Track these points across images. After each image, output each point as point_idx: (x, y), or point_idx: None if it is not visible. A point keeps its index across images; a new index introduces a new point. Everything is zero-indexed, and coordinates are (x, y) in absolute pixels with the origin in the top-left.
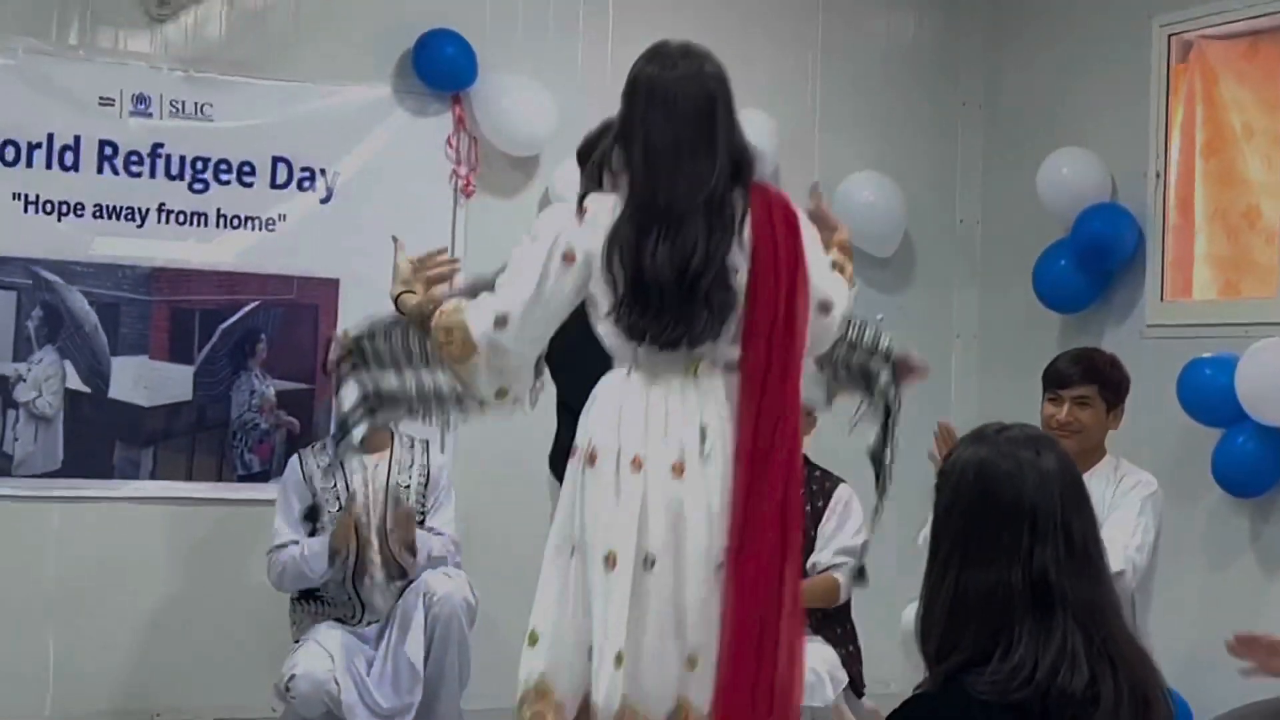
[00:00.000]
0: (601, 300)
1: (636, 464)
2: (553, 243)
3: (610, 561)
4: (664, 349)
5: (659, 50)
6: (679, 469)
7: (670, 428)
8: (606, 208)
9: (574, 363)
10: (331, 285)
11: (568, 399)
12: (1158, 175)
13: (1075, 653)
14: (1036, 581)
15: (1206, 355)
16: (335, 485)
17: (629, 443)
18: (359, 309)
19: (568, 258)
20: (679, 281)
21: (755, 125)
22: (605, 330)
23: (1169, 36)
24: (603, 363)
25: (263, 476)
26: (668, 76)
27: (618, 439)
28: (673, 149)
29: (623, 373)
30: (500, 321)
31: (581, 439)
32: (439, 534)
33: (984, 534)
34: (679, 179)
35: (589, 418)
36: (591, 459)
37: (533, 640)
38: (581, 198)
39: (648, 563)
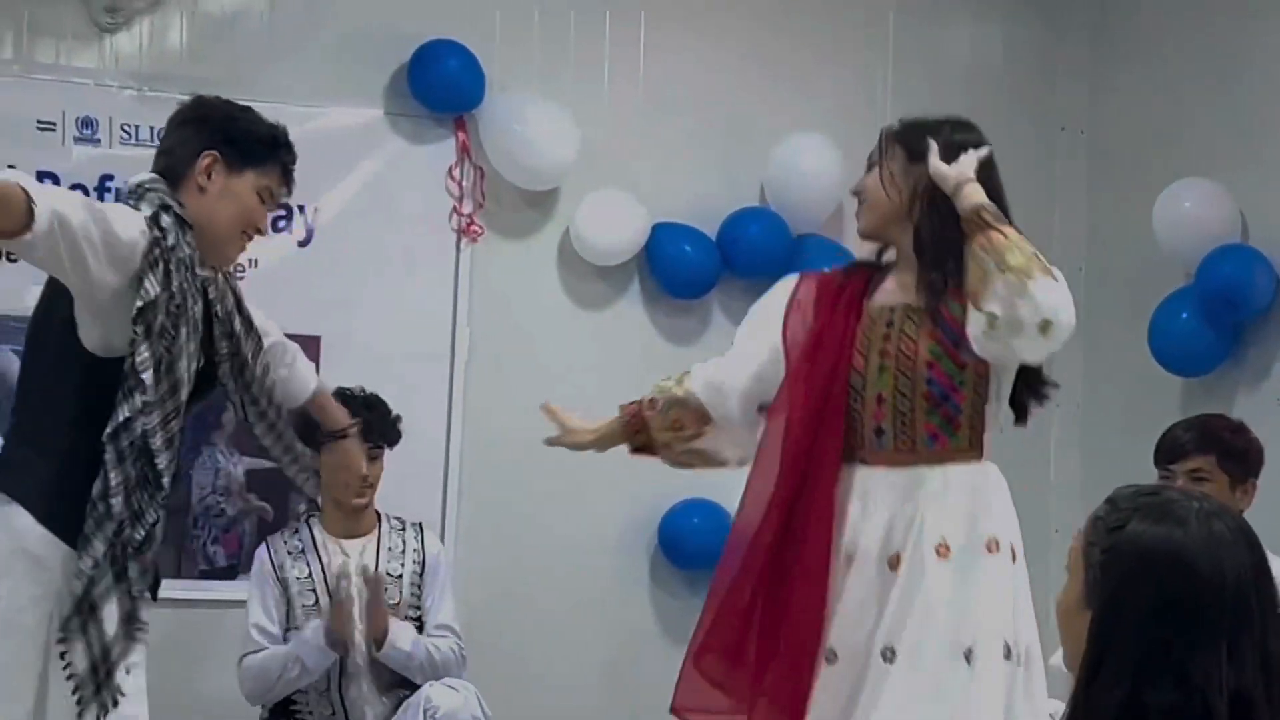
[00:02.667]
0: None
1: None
2: None
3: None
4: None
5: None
6: None
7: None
8: None
9: None
10: (311, 344)
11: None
12: None
13: None
14: (1234, 708)
15: None
16: (310, 575)
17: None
18: (344, 371)
19: None
20: None
21: (816, 153)
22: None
23: None
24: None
25: (229, 572)
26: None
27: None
28: None
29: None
30: None
31: (1000, 533)
32: (442, 634)
33: (1174, 643)
34: None
35: (995, 510)
36: (1014, 556)
37: None
38: None
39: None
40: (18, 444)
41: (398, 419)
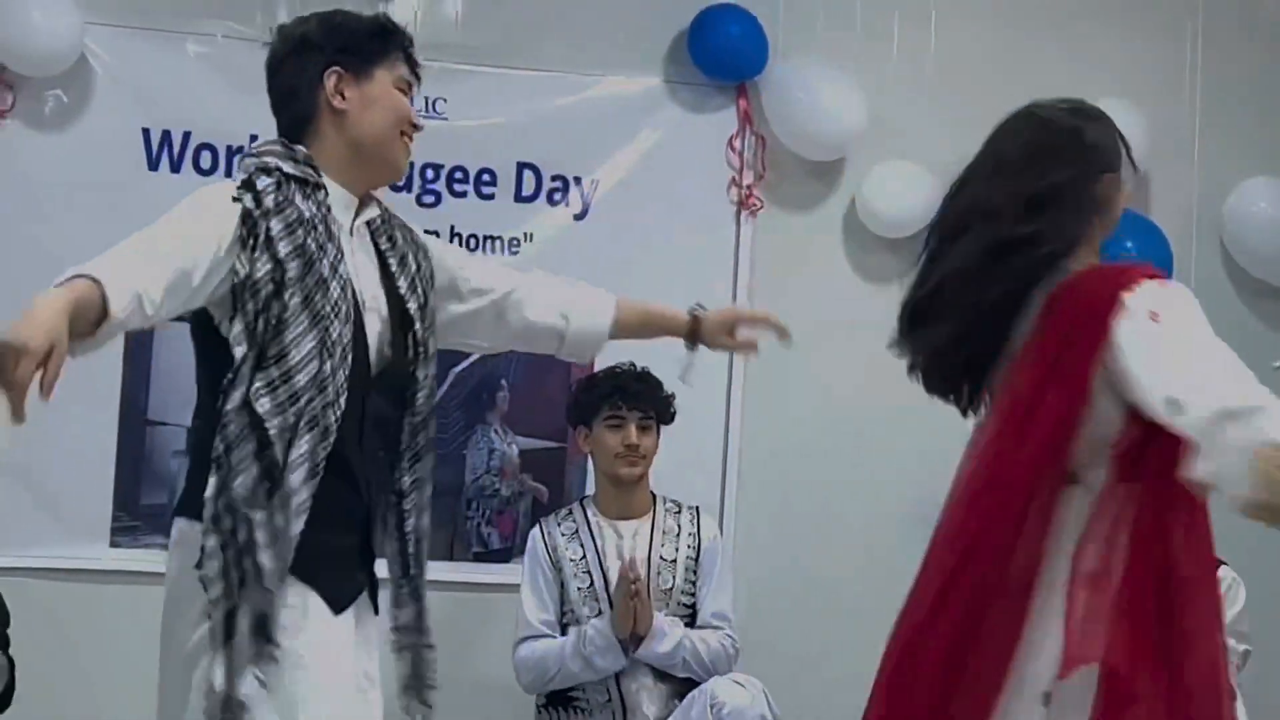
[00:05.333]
0: None
1: None
2: None
3: None
4: None
5: None
6: None
7: None
8: None
9: None
10: None
11: None
12: None
13: None
14: None
15: None
16: (585, 558)
17: None
18: (620, 349)
19: None
20: None
21: (1119, 119)
22: None
23: None
24: None
25: (503, 555)
26: None
27: None
28: None
29: None
30: None
31: None
32: (715, 625)
33: None
34: None
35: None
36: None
37: None
38: None
39: None
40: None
41: (672, 396)
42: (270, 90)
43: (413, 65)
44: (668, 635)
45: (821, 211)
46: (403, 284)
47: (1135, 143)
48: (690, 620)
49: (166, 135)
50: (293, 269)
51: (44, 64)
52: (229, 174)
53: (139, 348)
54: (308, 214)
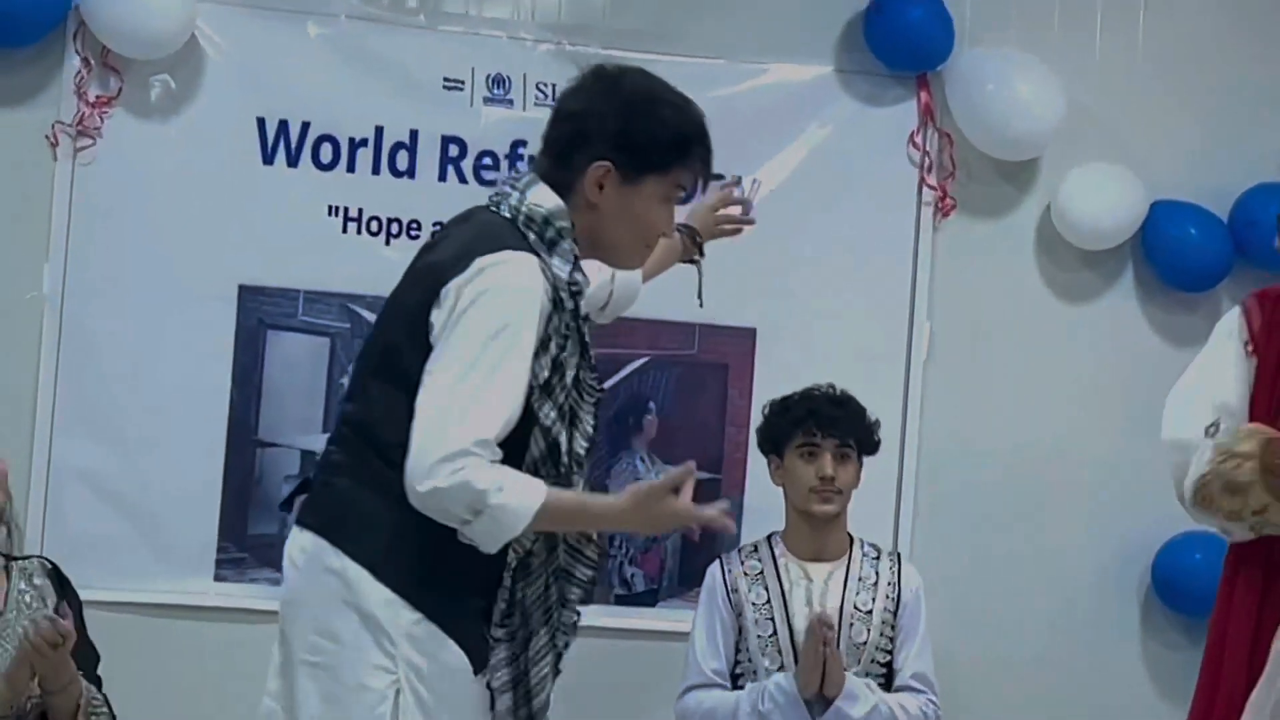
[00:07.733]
0: None
1: None
2: None
3: None
4: None
5: None
6: None
7: None
8: None
9: None
10: (746, 337)
11: None
12: None
13: None
14: None
15: None
16: (769, 601)
17: None
18: (782, 371)
19: None
20: None
21: None
22: None
23: None
24: None
25: (648, 598)
26: None
27: None
28: None
29: None
30: None
31: None
32: (916, 688)
33: None
34: None
35: None
36: None
37: None
38: None
39: None
40: (350, 480)
41: (876, 424)
42: (550, 127)
43: (702, 173)
44: (860, 699)
45: (1012, 219)
46: (586, 331)
47: None
48: (885, 681)
49: (283, 125)
50: (571, 366)
51: (151, 46)
52: (351, 169)
53: (248, 363)
54: (570, 306)
